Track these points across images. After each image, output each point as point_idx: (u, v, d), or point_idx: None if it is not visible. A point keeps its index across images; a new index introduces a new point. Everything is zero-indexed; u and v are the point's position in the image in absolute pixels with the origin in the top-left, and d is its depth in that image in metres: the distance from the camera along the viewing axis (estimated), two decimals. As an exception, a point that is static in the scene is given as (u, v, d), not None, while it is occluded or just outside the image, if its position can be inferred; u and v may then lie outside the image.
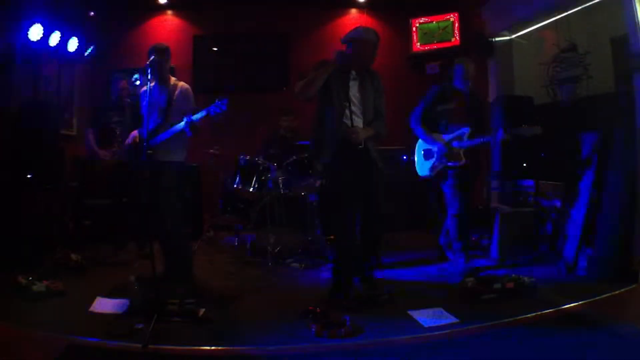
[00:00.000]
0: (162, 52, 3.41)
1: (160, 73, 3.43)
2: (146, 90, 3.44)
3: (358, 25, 3.80)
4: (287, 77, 6.61)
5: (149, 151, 3.20)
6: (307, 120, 5.49)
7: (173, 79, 3.56)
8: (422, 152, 4.09)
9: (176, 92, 3.46)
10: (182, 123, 3.24)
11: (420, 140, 4.11)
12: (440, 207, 4.21)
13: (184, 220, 3.54)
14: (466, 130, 3.81)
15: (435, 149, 3.94)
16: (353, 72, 3.30)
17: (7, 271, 3.50)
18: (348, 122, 3.22)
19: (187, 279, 3.46)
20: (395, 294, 3.26)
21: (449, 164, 3.87)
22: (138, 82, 4.35)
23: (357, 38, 3.28)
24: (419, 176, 4.15)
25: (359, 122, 3.27)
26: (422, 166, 4.09)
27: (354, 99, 3.26)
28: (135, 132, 3.56)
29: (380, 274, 3.79)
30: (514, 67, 5.84)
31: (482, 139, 3.72)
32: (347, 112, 3.22)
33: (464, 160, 3.82)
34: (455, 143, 3.85)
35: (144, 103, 3.45)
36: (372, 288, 3.34)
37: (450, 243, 4.05)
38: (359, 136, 3.18)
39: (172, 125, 3.36)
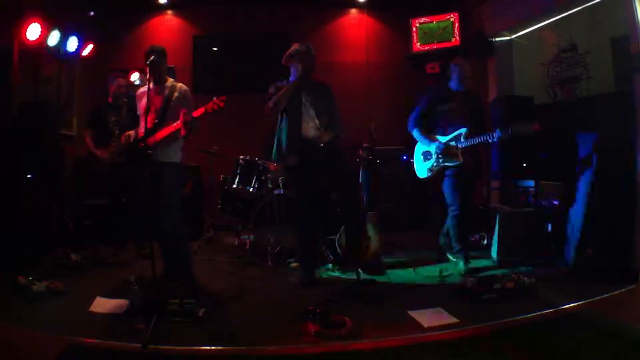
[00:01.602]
0: (161, 53, 3.41)
1: (159, 74, 3.43)
2: (143, 90, 3.45)
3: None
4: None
5: (148, 151, 3.20)
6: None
7: (170, 79, 3.55)
8: (421, 153, 4.09)
9: (175, 94, 3.44)
10: (178, 122, 3.22)
11: (418, 142, 4.12)
12: (440, 208, 4.20)
13: (183, 220, 3.54)
14: (464, 131, 3.80)
15: (432, 149, 3.94)
16: (303, 85, 3.74)
17: (7, 271, 3.50)
18: (307, 126, 3.69)
19: (187, 278, 3.46)
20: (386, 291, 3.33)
21: (447, 164, 3.87)
22: (138, 82, 4.32)
23: (292, 53, 3.78)
24: (419, 178, 4.15)
25: (314, 125, 3.69)
26: (420, 168, 4.10)
27: (307, 106, 3.72)
28: (131, 132, 3.54)
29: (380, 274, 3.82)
30: (514, 67, 5.84)
31: (479, 139, 3.70)
32: (305, 117, 3.70)
33: (461, 160, 3.81)
34: (452, 143, 3.85)
35: (141, 103, 3.45)
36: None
37: (450, 243, 4.05)
38: (322, 138, 3.67)
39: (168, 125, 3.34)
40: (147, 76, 3.15)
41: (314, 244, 3.93)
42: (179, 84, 3.52)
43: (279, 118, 3.80)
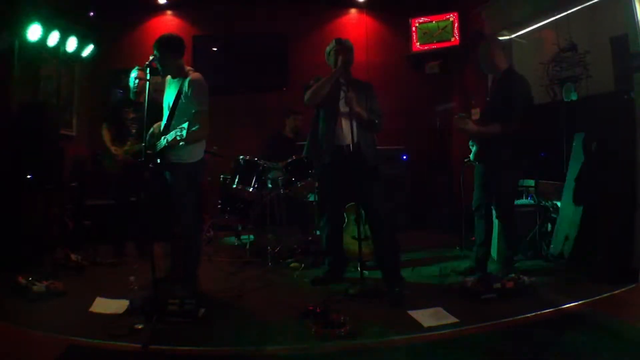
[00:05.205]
0: (159, 46, 3.19)
1: (167, 68, 3.26)
2: (166, 81, 3.38)
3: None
4: (287, 77, 6.61)
5: (147, 151, 3.17)
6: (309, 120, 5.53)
7: (188, 68, 3.30)
8: None
9: (184, 89, 3.17)
10: (162, 140, 3.03)
11: None
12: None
13: (197, 222, 3.42)
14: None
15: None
16: (342, 80, 3.47)
17: (7, 271, 3.51)
18: (340, 125, 3.44)
19: (192, 280, 3.43)
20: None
21: (470, 157, 3.84)
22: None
23: (332, 47, 3.57)
24: None
25: (349, 124, 3.37)
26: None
27: (344, 104, 3.40)
28: (152, 129, 3.34)
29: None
30: (514, 67, 5.82)
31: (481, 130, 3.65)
32: (339, 116, 3.44)
33: (470, 158, 3.80)
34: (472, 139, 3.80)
35: (163, 99, 3.36)
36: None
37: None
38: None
39: (176, 125, 3.04)
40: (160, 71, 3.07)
41: (334, 248, 3.78)
42: (192, 75, 3.23)
43: (315, 112, 3.61)
